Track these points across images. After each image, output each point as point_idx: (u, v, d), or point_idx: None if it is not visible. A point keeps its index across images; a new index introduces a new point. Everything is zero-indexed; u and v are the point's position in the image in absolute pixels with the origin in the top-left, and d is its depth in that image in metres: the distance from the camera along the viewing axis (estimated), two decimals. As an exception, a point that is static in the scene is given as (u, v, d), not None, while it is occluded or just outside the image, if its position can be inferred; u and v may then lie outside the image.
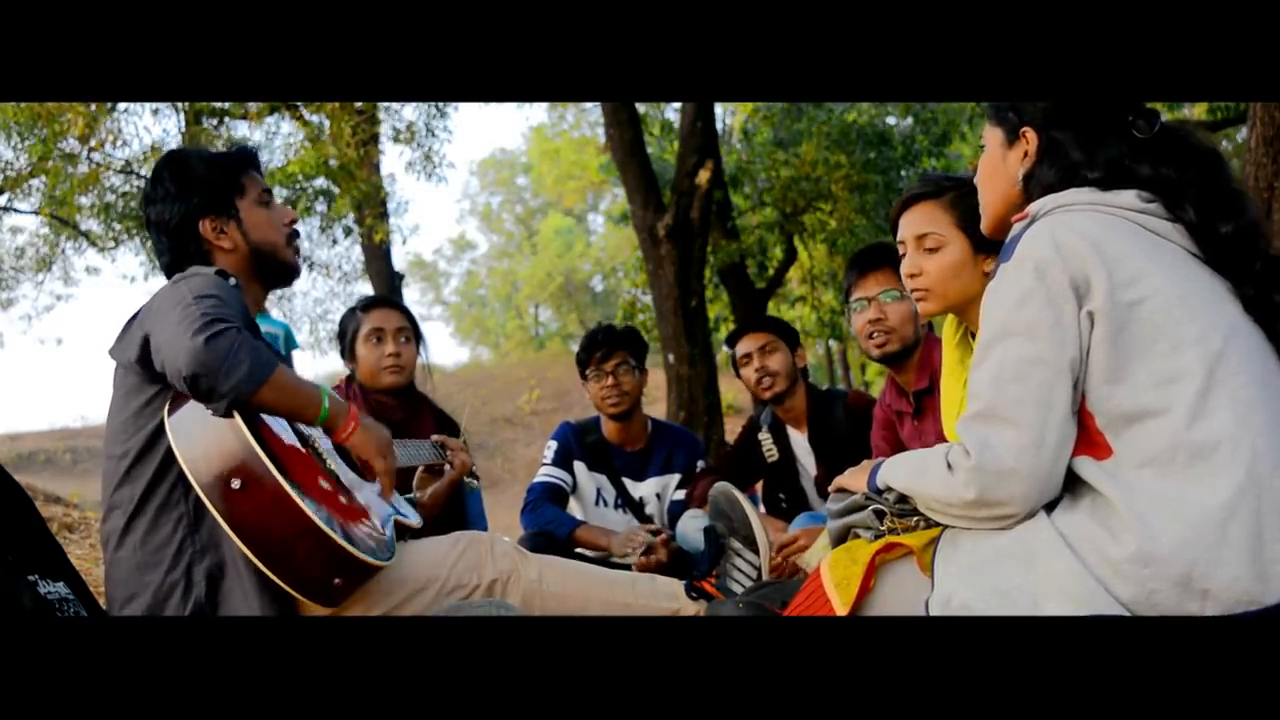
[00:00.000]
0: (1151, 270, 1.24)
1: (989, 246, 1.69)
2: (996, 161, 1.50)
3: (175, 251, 1.77)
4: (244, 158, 1.84)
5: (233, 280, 1.70)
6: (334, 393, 1.66)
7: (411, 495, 2.18)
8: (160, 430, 1.59)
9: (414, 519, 1.89)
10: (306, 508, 1.47)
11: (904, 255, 1.81)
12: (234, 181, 1.80)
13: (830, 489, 1.64)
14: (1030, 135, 1.44)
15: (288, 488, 1.47)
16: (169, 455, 1.58)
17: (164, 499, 1.61)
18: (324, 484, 1.62)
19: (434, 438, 2.31)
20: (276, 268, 1.84)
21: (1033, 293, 1.25)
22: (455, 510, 2.42)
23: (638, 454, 3.10)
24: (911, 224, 1.79)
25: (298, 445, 1.64)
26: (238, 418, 1.50)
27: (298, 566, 1.50)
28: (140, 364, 1.59)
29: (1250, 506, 1.14)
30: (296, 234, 1.89)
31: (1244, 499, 1.14)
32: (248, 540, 1.48)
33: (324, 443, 1.73)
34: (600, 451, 3.07)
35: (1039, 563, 1.22)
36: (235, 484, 1.47)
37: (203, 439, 1.52)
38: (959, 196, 1.75)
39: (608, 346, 3.00)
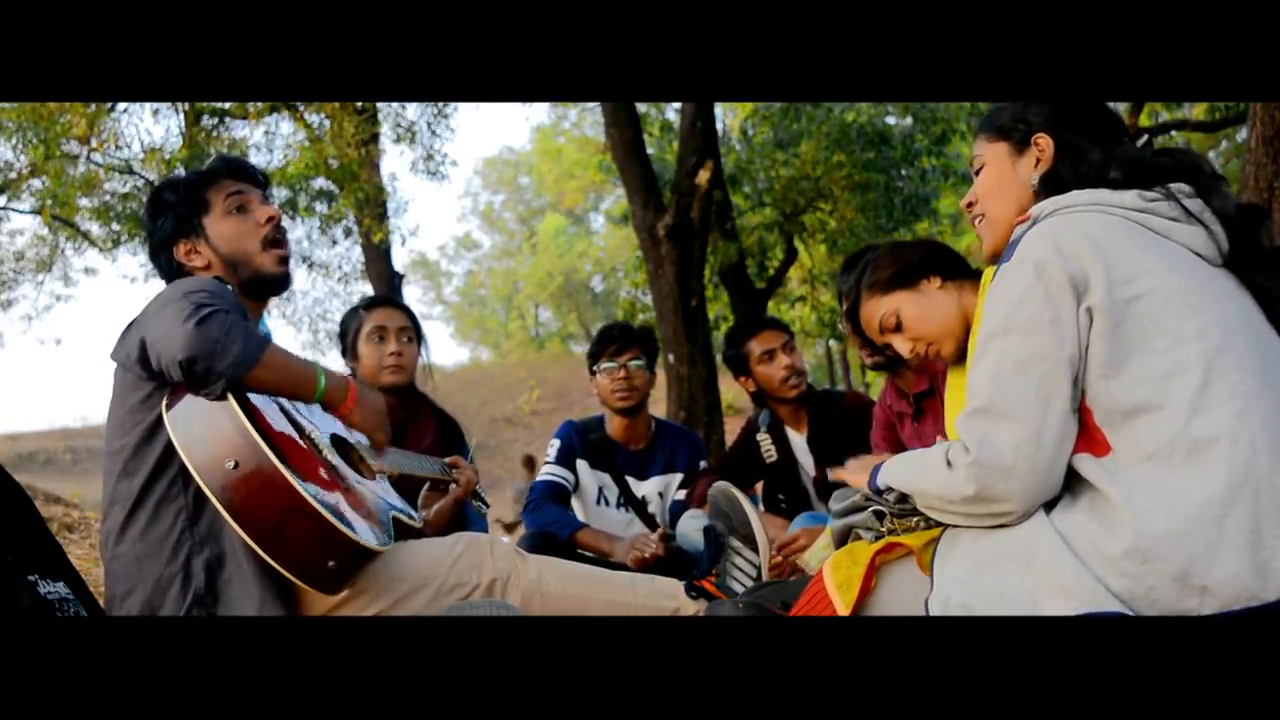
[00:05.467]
0: (1151, 267, 1.25)
1: (928, 271, 1.74)
2: (1005, 174, 1.49)
3: (164, 275, 1.86)
4: (216, 170, 1.86)
5: (229, 286, 1.73)
6: (332, 371, 1.69)
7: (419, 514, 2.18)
8: (156, 425, 1.61)
9: (414, 518, 1.89)
10: (299, 486, 1.48)
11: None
12: (198, 200, 1.82)
13: (830, 477, 1.64)
14: (1044, 140, 1.45)
15: (280, 467, 1.48)
16: (166, 450, 1.59)
17: (163, 493, 1.62)
18: (320, 470, 1.63)
19: (447, 460, 2.31)
20: (251, 277, 1.82)
21: (1032, 290, 1.26)
22: (458, 527, 2.41)
23: (641, 453, 3.10)
24: (868, 322, 1.82)
25: (295, 437, 1.65)
26: (232, 401, 1.51)
27: (292, 548, 1.51)
28: (140, 364, 1.60)
29: (1249, 503, 1.14)
30: (281, 231, 1.86)
31: (1242, 495, 1.15)
32: (244, 523, 1.49)
33: (323, 439, 1.73)
34: (603, 450, 3.06)
35: (1038, 562, 1.22)
36: (230, 464, 1.49)
37: (199, 425, 1.53)
38: (881, 280, 1.78)
39: (622, 341, 3.01)
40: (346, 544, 1.54)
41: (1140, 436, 1.21)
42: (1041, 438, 1.23)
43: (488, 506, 2.46)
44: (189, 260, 1.81)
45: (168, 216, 1.82)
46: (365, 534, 1.58)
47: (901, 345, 1.79)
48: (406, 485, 2.13)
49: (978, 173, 1.56)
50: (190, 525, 1.61)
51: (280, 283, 1.87)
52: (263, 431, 1.52)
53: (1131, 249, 1.26)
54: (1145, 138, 1.45)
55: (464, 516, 2.41)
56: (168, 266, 1.83)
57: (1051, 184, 1.43)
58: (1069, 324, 1.24)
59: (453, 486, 2.29)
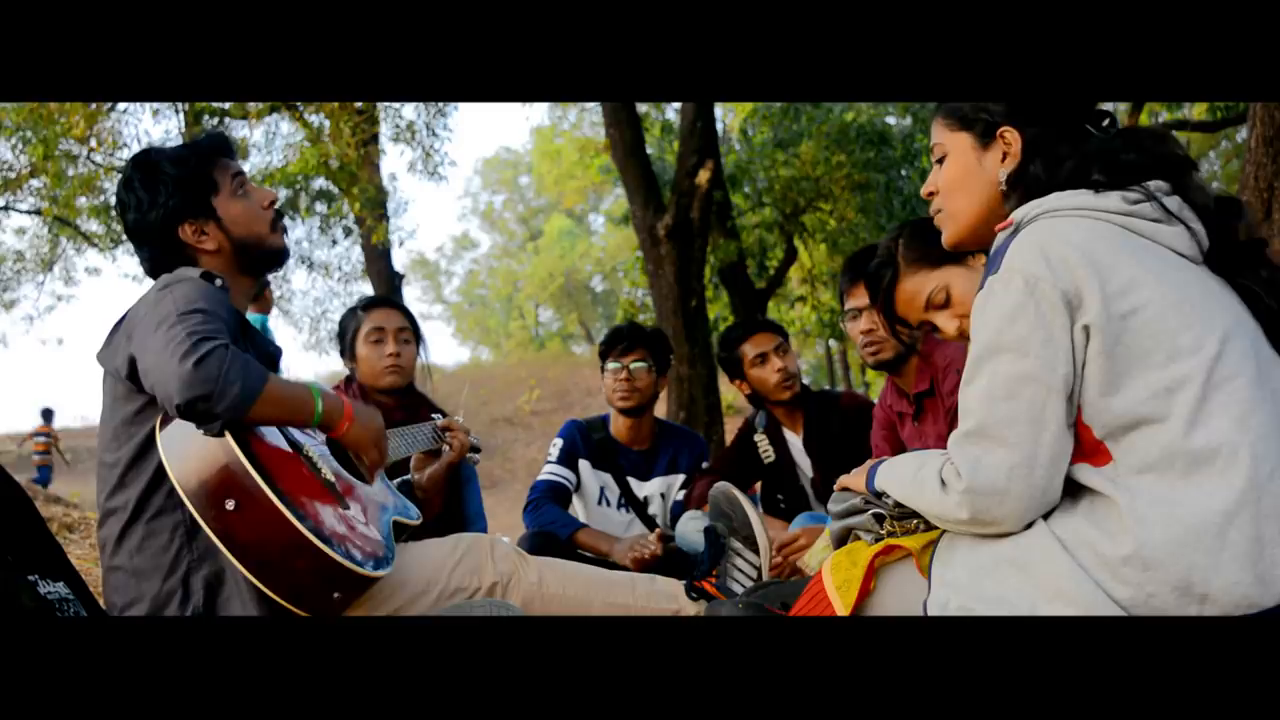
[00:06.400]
0: (1143, 278, 1.22)
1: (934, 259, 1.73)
2: (970, 169, 1.45)
3: (157, 258, 1.73)
4: (212, 147, 1.78)
5: (219, 281, 1.67)
6: (326, 390, 1.64)
7: (408, 477, 2.16)
8: (151, 439, 1.57)
9: (413, 517, 1.88)
10: (303, 527, 1.46)
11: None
12: (206, 178, 1.73)
13: (835, 487, 1.64)
14: (1010, 134, 1.40)
15: (282, 507, 1.45)
16: (162, 466, 1.54)
17: (159, 506, 1.59)
18: (319, 495, 1.60)
19: (439, 422, 2.29)
20: (262, 256, 1.79)
21: (1023, 308, 1.22)
22: (453, 495, 2.40)
23: (644, 454, 3.10)
24: (913, 297, 1.80)
25: (290, 453, 1.62)
26: (229, 439, 1.47)
27: (296, 583, 1.49)
28: (130, 380, 1.56)
29: (1250, 511, 1.13)
30: (280, 214, 1.82)
31: (1244, 504, 1.13)
32: (244, 559, 1.46)
33: (317, 449, 1.71)
34: (606, 450, 3.07)
35: (1036, 567, 1.21)
36: (230, 504, 1.45)
37: (194, 457, 1.49)
38: (933, 253, 1.76)
39: (629, 341, 3.02)
40: (353, 577, 1.53)
41: (1140, 448, 1.20)
42: (1035, 460, 1.21)
43: (479, 453, 2.44)
44: (198, 242, 1.72)
45: (172, 193, 1.70)
46: (371, 562, 1.57)
47: (947, 322, 1.76)
48: (400, 462, 2.12)
49: (939, 161, 1.50)
50: (188, 541, 1.58)
51: (283, 257, 1.84)
52: (258, 459, 1.49)
53: (1121, 258, 1.23)
54: (1106, 121, 1.40)
55: (459, 485, 2.39)
56: (166, 246, 1.72)
57: (1021, 183, 1.39)
58: (1062, 343, 1.21)
59: (446, 450, 2.26)
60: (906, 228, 1.85)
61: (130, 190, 1.73)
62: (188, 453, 1.50)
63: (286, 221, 1.89)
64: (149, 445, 1.58)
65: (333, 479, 1.68)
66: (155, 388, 1.46)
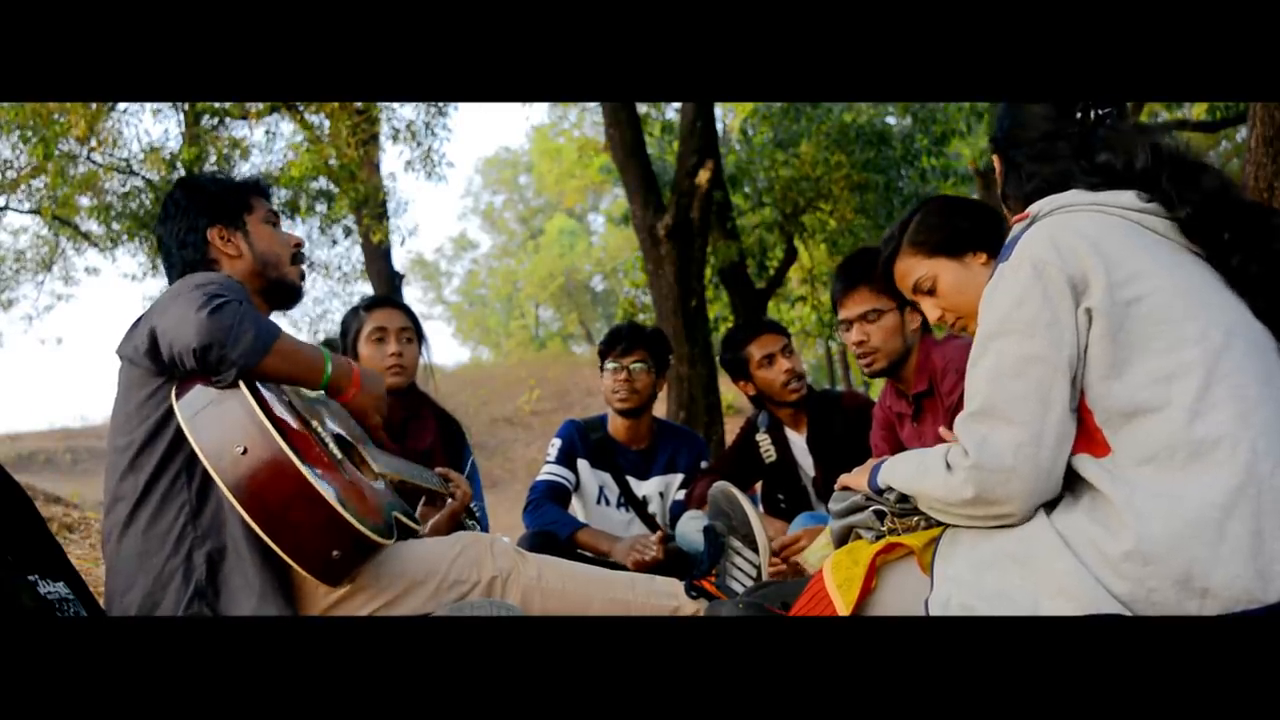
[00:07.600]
0: (1151, 268, 1.24)
1: (976, 245, 1.80)
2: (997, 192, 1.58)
3: (185, 264, 1.84)
4: (255, 185, 1.94)
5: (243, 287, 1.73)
6: (337, 355, 1.71)
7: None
8: (163, 421, 1.62)
9: (416, 521, 1.89)
10: (307, 473, 1.49)
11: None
12: (243, 199, 1.88)
13: (835, 487, 1.64)
14: (996, 160, 1.52)
15: (290, 453, 1.49)
16: (172, 445, 1.61)
17: (167, 488, 1.63)
18: (325, 463, 1.63)
19: (439, 470, 2.30)
20: (277, 283, 1.89)
21: (1030, 290, 1.25)
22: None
23: (642, 453, 3.10)
24: (903, 278, 1.85)
25: (302, 430, 1.66)
26: (243, 388, 1.52)
27: (297, 534, 1.50)
28: (149, 356, 1.61)
29: (1250, 505, 1.14)
30: (302, 256, 1.96)
31: (1243, 497, 1.14)
32: (250, 509, 1.49)
33: (329, 439, 1.74)
34: (605, 449, 3.07)
35: (1038, 563, 1.22)
36: (239, 449, 1.49)
37: (209, 412, 1.54)
38: (930, 241, 1.82)
39: (628, 342, 3.02)
40: (352, 533, 1.53)
41: (1141, 438, 1.21)
42: (1041, 439, 1.23)
43: (483, 529, 2.44)
44: (222, 246, 1.83)
45: (208, 202, 1.84)
46: (372, 526, 1.58)
47: (931, 309, 1.81)
48: (406, 496, 2.12)
49: None
50: (193, 519, 1.62)
51: (298, 294, 1.95)
52: (272, 420, 1.53)
53: (1130, 250, 1.26)
54: (1089, 118, 1.44)
55: (461, 530, 2.39)
56: (191, 253, 1.82)
57: (1007, 201, 1.51)
58: (1067, 325, 1.24)
59: (449, 500, 2.27)
60: (926, 206, 1.87)
61: (171, 202, 1.87)
62: (202, 408, 1.54)
63: (285, 222, 1.95)
64: (161, 427, 1.63)
65: (340, 458, 1.71)
66: (174, 343, 1.52)
